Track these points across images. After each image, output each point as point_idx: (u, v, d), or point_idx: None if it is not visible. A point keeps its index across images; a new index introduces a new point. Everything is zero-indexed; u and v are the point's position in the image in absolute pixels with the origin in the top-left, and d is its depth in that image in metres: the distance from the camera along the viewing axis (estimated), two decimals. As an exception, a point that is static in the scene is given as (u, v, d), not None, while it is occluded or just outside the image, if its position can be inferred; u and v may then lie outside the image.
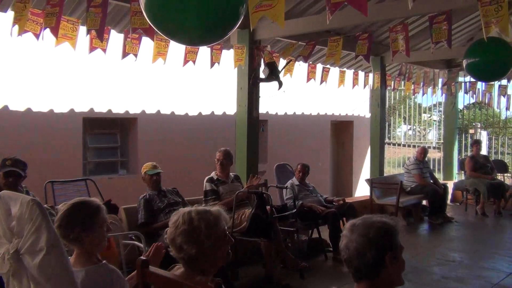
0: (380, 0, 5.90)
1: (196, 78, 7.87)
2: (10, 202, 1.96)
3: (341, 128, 11.60)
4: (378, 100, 8.28)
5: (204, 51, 5.61)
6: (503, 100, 9.54)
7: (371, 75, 8.33)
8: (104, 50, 4.50)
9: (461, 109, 11.45)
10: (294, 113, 9.89)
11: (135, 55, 4.80)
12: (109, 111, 7.06)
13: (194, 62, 5.38)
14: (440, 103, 12.11)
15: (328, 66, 7.35)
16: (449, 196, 8.93)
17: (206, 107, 8.28)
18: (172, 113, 7.81)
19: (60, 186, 5.00)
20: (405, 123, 14.16)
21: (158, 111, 7.65)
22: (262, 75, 5.91)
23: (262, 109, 6.60)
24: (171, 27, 2.67)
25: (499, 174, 9.18)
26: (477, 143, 8.95)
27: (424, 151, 8.22)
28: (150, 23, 2.72)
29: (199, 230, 1.88)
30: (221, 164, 5.16)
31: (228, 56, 6.01)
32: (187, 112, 8.02)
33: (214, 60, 5.61)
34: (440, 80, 9.46)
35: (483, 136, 11.52)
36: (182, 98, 7.93)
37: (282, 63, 6.31)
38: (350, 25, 6.32)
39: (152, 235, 4.43)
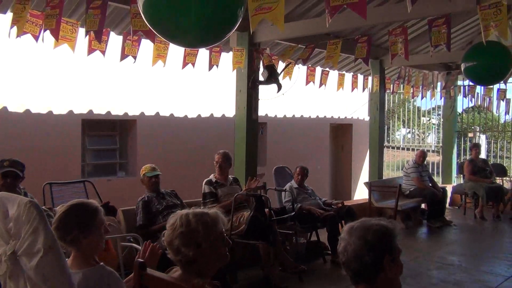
0: (379, 3, 5.92)
1: (195, 81, 7.88)
2: (7, 204, 1.96)
3: (340, 131, 11.61)
4: (377, 103, 8.29)
5: (203, 54, 5.61)
6: (502, 103, 9.56)
7: (370, 78, 8.34)
8: (103, 52, 4.50)
9: (460, 112, 11.46)
10: (293, 116, 9.90)
11: (134, 57, 4.80)
12: (108, 113, 7.06)
13: (193, 64, 5.37)
14: (439, 107, 12.12)
15: (327, 69, 7.35)
16: (448, 200, 8.92)
17: (205, 110, 8.28)
18: (171, 115, 7.81)
19: (58, 188, 4.99)
20: (404, 127, 14.18)
21: (157, 113, 7.65)
22: (261, 78, 5.91)
23: (261, 111, 6.60)
24: (169, 29, 2.68)
25: (498, 178, 9.17)
26: (476, 147, 8.94)
27: (423, 155, 8.22)
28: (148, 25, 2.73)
29: (197, 233, 1.88)
30: (220, 166, 5.15)
31: (227, 58, 6.01)
32: (186, 114, 8.02)
33: (213, 62, 5.60)
34: (439, 83, 9.47)
35: (482, 139, 11.53)
36: (181, 100, 7.93)
37: (281, 65, 6.31)
38: (350, 28, 6.33)
39: (150, 237, 4.41)
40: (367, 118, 11.15)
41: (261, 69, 5.89)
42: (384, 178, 8.69)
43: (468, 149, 10.56)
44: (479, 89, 9.25)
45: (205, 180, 5.12)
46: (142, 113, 7.46)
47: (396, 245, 1.70)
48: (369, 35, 5.58)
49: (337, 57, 5.71)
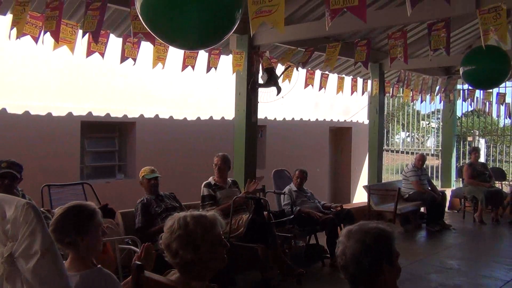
0: (379, 7, 5.92)
1: (195, 83, 7.88)
2: (5, 205, 1.94)
3: (340, 134, 11.61)
4: (377, 107, 8.29)
5: (203, 56, 5.62)
6: (502, 107, 9.56)
7: (369, 81, 8.35)
8: (102, 54, 4.49)
9: (459, 116, 11.47)
10: (293, 118, 9.89)
11: (134, 59, 4.80)
12: (107, 115, 7.06)
13: (193, 67, 5.37)
14: (438, 110, 12.16)
15: (326, 72, 7.36)
16: (447, 204, 8.92)
17: (204, 112, 8.28)
18: (171, 117, 7.81)
19: (56, 190, 4.97)
20: (403, 130, 14.19)
21: (157, 116, 7.65)
22: (260, 81, 5.92)
23: (261, 114, 6.60)
24: (167, 30, 2.68)
25: (497, 182, 9.17)
26: (475, 151, 8.95)
27: (422, 158, 8.22)
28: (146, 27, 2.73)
29: (195, 235, 1.87)
30: (219, 169, 5.14)
31: (227, 61, 6.01)
32: (185, 117, 8.01)
33: (211, 65, 5.60)
34: (438, 87, 9.47)
35: (482, 143, 11.54)
36: (180, 103, 7.93)
37: (280, 68, 6.31)
38: (349, 31, 6.33)
39: (149, 239, 4.40)
40: (366, 122, 11.15)
41: (261, 72, 5.89)
42: (383, 181, 8.68)
43: (467, 153, 10.57)
44: (478, 93, 9.27)
45: (204, 183, 5.11)
46: (142, 116, 7.46)
47: (395, 249, 1.70)
48: (368, 38, 5.58)
49: (334, 60, 5.71)
